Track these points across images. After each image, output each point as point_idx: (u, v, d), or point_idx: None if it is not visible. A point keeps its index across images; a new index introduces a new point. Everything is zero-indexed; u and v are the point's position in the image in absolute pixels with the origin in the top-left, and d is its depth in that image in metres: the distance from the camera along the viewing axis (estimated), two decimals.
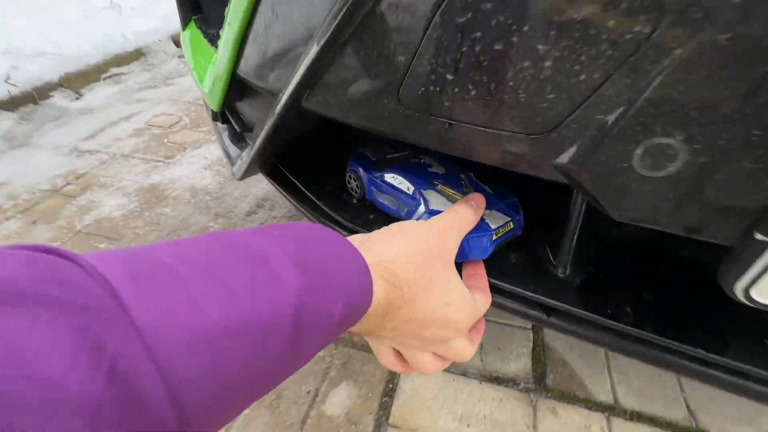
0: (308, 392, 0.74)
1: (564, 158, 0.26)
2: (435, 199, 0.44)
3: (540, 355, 0.81)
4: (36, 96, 1.86)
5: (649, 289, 0.38)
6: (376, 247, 0.28)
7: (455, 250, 0.35)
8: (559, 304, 0.40)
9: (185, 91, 2.06)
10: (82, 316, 0.13)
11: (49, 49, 1.98)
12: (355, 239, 0.29)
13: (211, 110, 0.69)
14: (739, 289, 0.23)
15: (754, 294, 0.22)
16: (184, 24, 0.80)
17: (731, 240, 0.22)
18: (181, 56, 2.54)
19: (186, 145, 1.55)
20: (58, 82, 1.95)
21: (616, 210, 0.25)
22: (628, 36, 0.19)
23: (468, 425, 0.70)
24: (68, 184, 1.35)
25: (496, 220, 0.41)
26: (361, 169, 0.51)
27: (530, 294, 0.41)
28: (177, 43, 2.59)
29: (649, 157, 0.22)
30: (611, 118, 0.22)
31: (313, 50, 0.29)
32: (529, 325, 0.87)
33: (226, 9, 0.44)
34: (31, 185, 1.35)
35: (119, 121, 1.77)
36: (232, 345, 0.17)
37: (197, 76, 0.64)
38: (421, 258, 0.30)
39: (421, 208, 0.43)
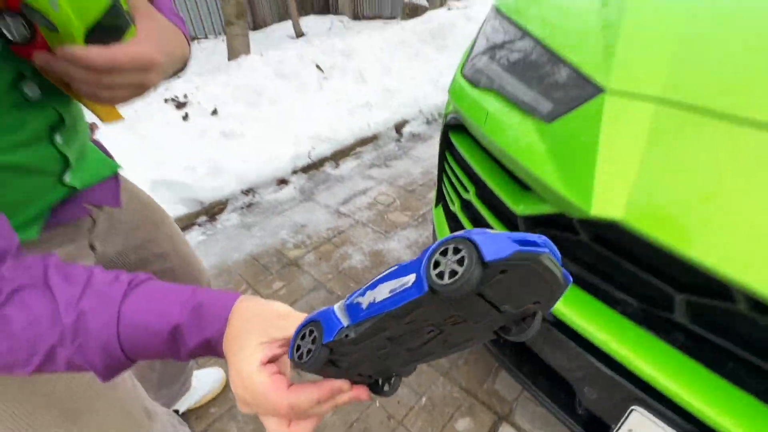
0: (449, 412, 1.40)
1: None
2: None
3: None
4: (317, 166, 3.06)
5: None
6: (236, 323, 0.39)
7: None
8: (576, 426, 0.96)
9: (399, 175, 2.99)
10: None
11: (329, 135, 3.20)
12: (238, 301, 0.40)
13: None
14: None
15: None
16: (436, 204, 1.58)
17: None
18: (397, 140, 3.57)
19: (397, 225, 2.42)
20: (330, 156, 3.14)
21: None
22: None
23: None
24: (334, 236, 2.35)
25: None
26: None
27: (562, 417, 0.98)
28: (397, 130, 3.64)
29: None
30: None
31: None
32: None
33: None
34: (317, 231, 2.40)
35: (358, 194, 2.77)
36: (136, 332, 0.38)
37: None
38: (240, 336, 0.38)
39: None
